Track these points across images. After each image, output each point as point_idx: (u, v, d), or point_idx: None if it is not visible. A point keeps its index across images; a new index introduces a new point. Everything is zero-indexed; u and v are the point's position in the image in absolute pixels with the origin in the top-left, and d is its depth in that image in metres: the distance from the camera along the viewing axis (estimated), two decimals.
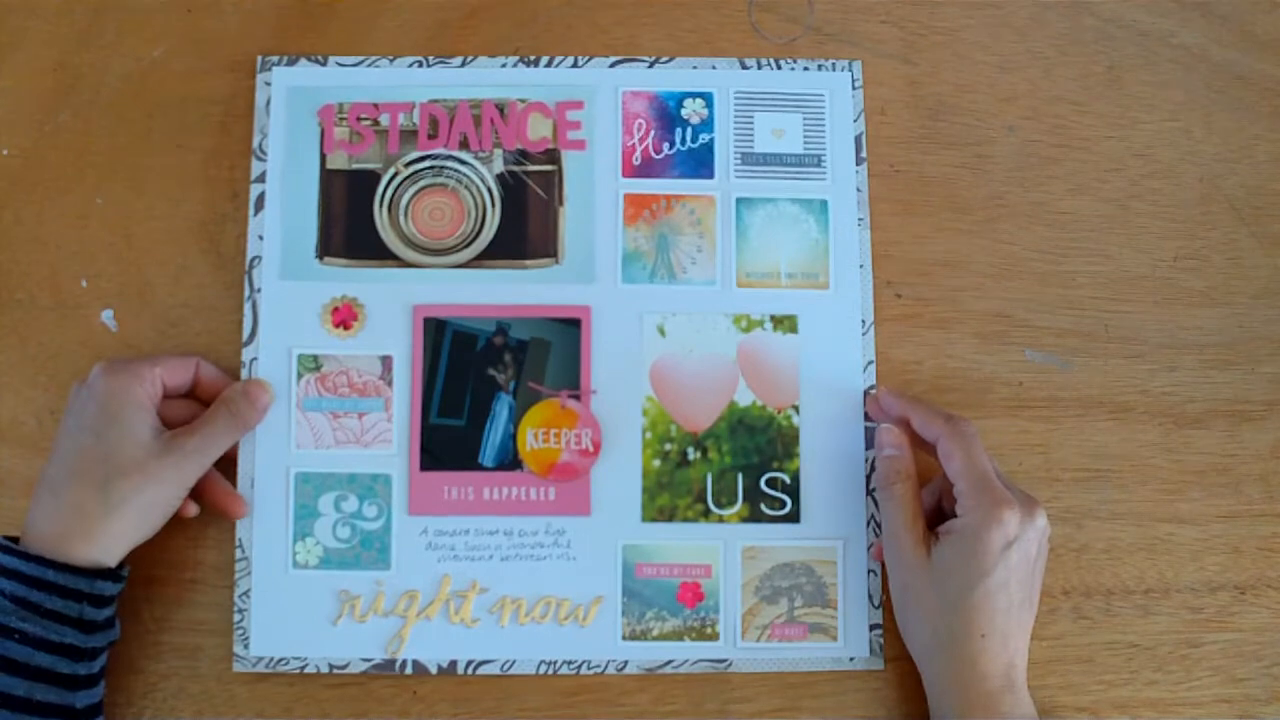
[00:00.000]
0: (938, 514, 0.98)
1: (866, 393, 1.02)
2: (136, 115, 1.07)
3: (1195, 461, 1.04)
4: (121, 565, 0.93)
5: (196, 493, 0.98)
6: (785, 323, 1.03)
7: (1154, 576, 1.02)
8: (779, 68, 1.07)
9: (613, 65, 1.06)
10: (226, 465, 1.00)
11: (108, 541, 0.91)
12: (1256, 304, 1.06)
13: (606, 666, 0.99)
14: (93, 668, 0.90)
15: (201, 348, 1.03)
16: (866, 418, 1.02)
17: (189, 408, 0.99)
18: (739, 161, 1.05)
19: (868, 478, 1.02)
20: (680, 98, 1.06)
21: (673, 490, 1.01)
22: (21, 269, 1.05)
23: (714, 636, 1.00)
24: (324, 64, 1.06)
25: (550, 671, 0.99)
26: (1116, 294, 1.06)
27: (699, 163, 1.05)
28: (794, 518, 1.01)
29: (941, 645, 0.91)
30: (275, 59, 1.06)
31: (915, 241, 1.06)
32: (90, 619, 0.89)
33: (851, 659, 1.00)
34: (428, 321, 1.02)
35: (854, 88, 1.07)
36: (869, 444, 1.02)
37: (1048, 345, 1.05)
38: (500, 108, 1.05)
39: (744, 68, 1.07)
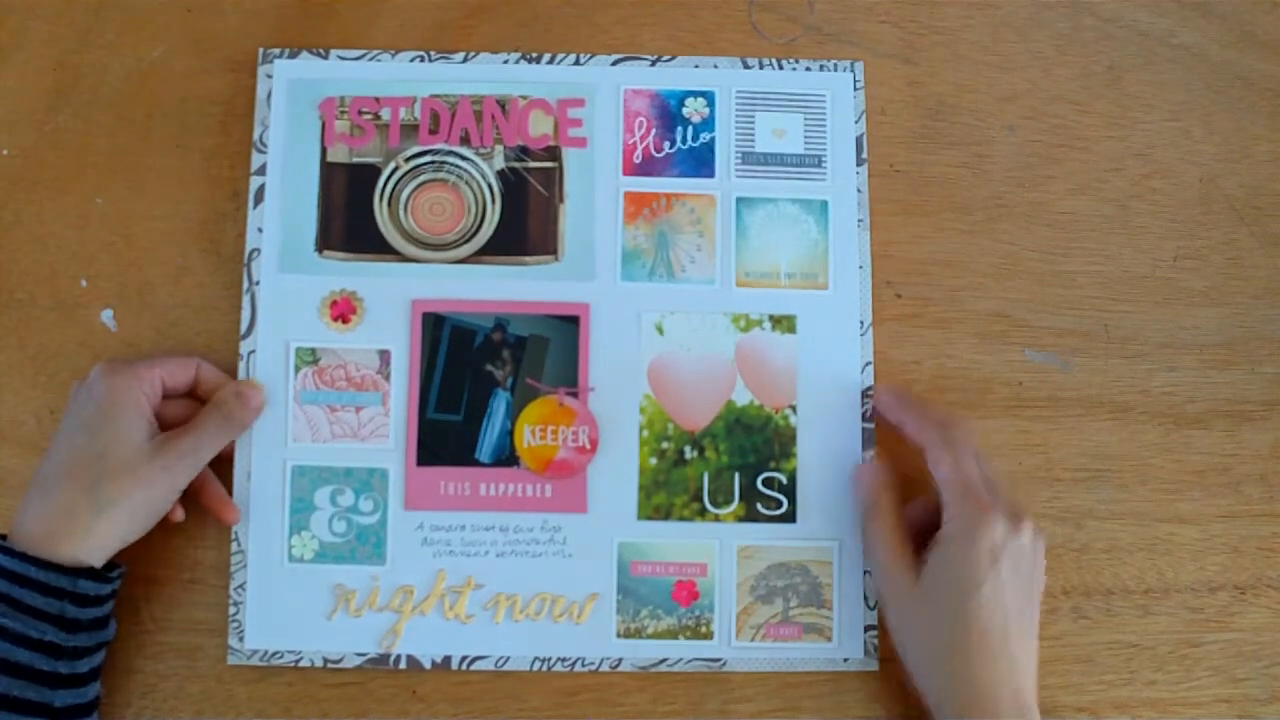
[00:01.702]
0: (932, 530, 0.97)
1: (864, 394, 1.02)
2: (136, 115, 1.07)
3: (1195, 461, 1.04)
4: (112, 567, 0.93)
5: (191, 496, 0.97)
6: (784, 323, 1.03)
7: (1154, 576, 1.02)
8: (780, 68, 1.07)
9: (615, 63, 1.07)
10: (223, 459, 1.00)
11: (94, 542, 0.90)
12: (1256, 304, 1.06)
13: (601, 664, 0.99)
14: (77, 667, 0.89)
15: (201, 347, 1.02)
16: (865, 418, 1.02)
17: (187, 407, 0.98)
18: (740, 161, 1.05)
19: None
20: (682, 96, 1.06)
21: (669, 489, 1.01)
22: (21, 269, 1.04)
23: (708, 635, 1.00)
24: (325, 57, 1.06)
25: (544, 668, 0.98)
26: (1116, 294, 1.06)
27: (700, 162, 1.05)
28: (790, 518, 1.01)
29: (938, 665, 0.90)
30: (277, 51, 1.06)
31: (915, 241, 1.06)
32: (72, 617, 0.89)
33: (846, 660, 1.00)
34: (426, 316, 1.02)
35: (855, 88, 1.07)
36: (866, 444, 1.02)
37: (1048, 345, 1.05)
38: (502, 104, 1.05)
39: (746, 67, 1.07)
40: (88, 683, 0.91)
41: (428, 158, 1.04)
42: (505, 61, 1.06)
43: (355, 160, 1.04)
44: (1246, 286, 1.06)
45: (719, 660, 0.99)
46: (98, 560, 0.91)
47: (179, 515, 0.97)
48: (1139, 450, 1.04)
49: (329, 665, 0.98)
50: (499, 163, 1.04)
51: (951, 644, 0.89)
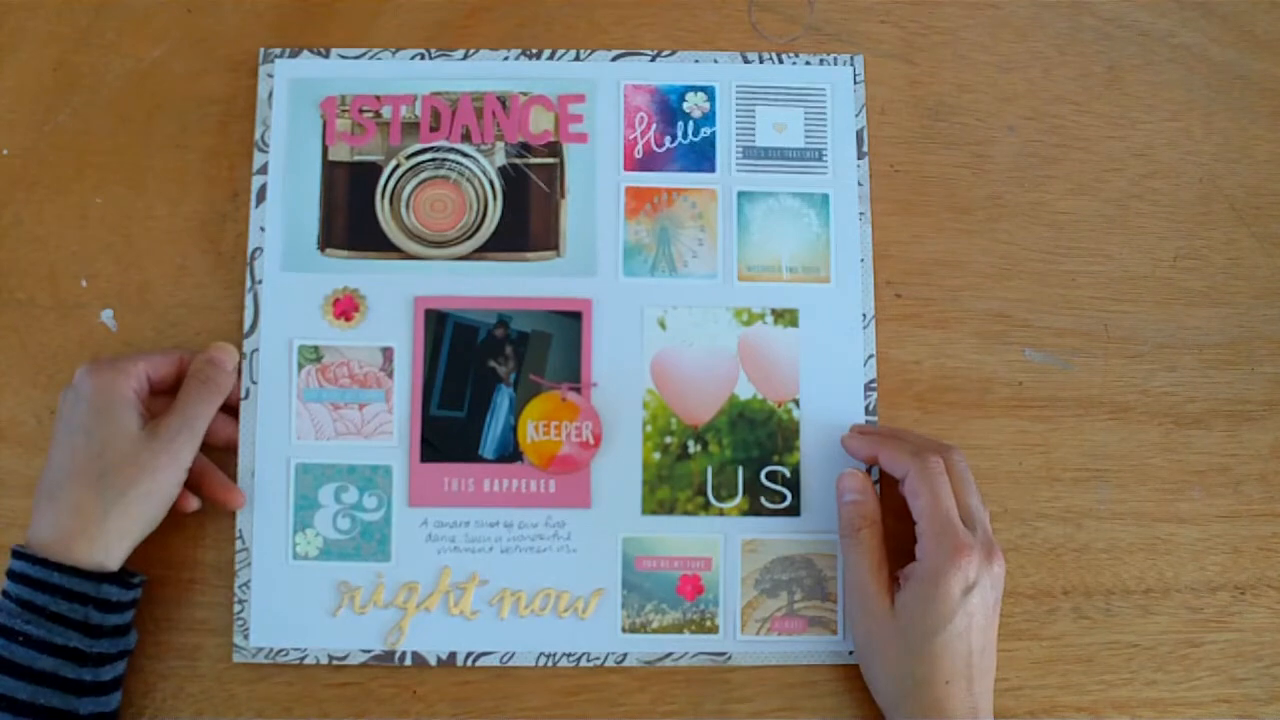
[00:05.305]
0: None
1: (867, 387, 1.03)
2: (136, 115, 1.07)
3: (1195, 461, 1.04)
4: (134, 574, 0.93)
5: (193, 487, 0.97)
6: (786, 316, 1.03)
7: (1154, 576, 1.02)
8: (781, 62, 1.07)
9: (615, 59, 1.07)
10: (227, 457, 1.00)
11: (109, 540, 0.90)
12: (1256, 304, 1.06)
13: (606, 659, 0.99)
14: (100, 675, 0.89)
15: (200, 347, 1.01)
16: (867, 411, 1.02)
17: None
18: (740, 155, 1.06)
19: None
20: (682, 91, 1.06)
21: (673, 483, 1.01)
22: (21, 269, 1.04)
23: (714, 629, 1.00)
24: (326, 56, 1.06)
25: (549, 664, 0.98)
26: (1116, 294, 1.06)
27: (700, 156, 1.05)
28: (794, 511, 1.01)
29: (906, 693, 0.90)
30: (278, 51, 1.06)
31: (915, 241, 1.06)
32: (96, 623, 0.89)
33: (851, 653, 1.00)
34: (429, 313, 1.02)
35: (855, 82, 1.07)
36: None
37: (1048, 345, 1.05)
38: (502, 100, 1.05)
39: (746, 62, 1.07)
40: (110, 691, 0.91)
41: (429, 155, 1.04)
42: (505, 58, 1.06)
43: (356, 158, 1.04)
44: (1246, 286, 1.07)
45: (724, 654, 0.99)
46: (115, 562, 0.91)
47: (192, 504, 0.98)
48: (1139, 450, 1.04)
49: (334, 663, 0.98)
50: (500, 159, 1.05)
51: (916, 675, 0.90)
